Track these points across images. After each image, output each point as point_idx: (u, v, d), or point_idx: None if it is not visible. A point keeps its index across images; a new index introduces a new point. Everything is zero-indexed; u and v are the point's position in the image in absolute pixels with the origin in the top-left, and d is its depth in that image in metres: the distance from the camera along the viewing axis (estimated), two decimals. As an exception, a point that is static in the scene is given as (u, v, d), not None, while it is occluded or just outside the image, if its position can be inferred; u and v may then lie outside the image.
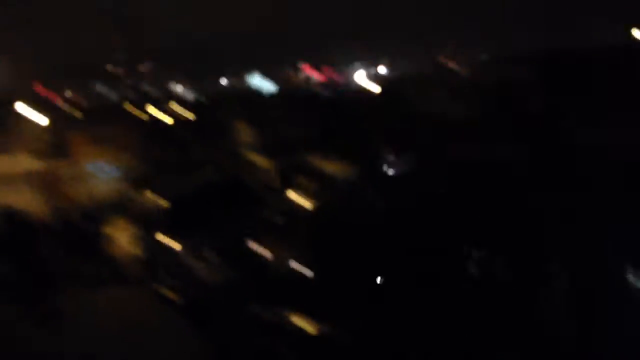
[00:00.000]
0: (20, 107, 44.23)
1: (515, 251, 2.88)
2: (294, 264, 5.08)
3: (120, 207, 22.14)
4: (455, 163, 3.63)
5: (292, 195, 6.97)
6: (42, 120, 46.37)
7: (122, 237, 17.00)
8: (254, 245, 6.35)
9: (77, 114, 58.97)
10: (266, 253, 6.08)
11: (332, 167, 19.10)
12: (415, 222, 3.60)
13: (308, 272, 4.86)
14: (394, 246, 3.62)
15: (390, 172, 3.94)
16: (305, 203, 5.43)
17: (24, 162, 43.89)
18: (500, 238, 2.87)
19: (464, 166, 3.48)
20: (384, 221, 3.82)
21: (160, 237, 10.16)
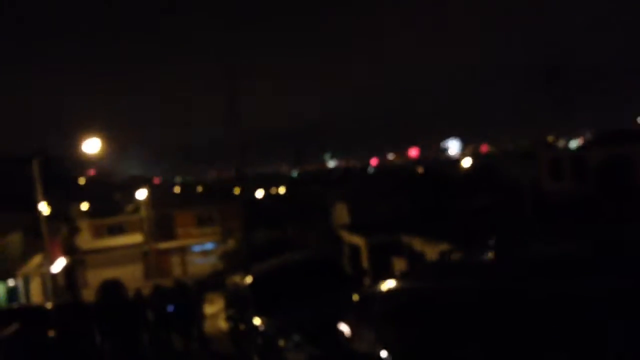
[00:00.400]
0: (139, 193, 46.94)
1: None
2: (380, 349, 4.90)
3: (215, 285, 22.79)
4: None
5: (383, 275, 6.82)
6: (154, 203, 48.76)
7: (215, 314, 17.37)
8: (341, 327, 6.20)
9: (188, 197, 61.57)
10: (353, 335, 5.92)
11: (425, 247, 18.82)
12: (506, 312, 3.39)
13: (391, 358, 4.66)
14: (481, 336, 3.41)
15: (487, 255, 3.74)
16: (396, 284, 5.28)
17: (135, 241, 46.37)
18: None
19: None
20: (476, 308, 3.61)
21: (251, 316, 10.21)
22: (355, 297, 6.24)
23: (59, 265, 28.56)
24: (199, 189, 73.19)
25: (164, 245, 47.56)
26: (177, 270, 46.88)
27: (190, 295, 16.16)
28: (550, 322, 2.88)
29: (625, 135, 31.98)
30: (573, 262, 3.12)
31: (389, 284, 5.21)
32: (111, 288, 12.20)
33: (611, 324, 2.52)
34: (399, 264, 19.13)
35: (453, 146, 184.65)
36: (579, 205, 20.90)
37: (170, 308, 15.23)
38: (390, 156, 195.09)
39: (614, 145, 29.03)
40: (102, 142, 18.88)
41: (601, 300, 2.60)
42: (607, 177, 27.66)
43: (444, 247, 16.50)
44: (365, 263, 23.35)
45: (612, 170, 27.50)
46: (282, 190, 63.59)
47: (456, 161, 62.50)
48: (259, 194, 53.73)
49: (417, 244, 19.30)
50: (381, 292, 5.36)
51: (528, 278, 3.20)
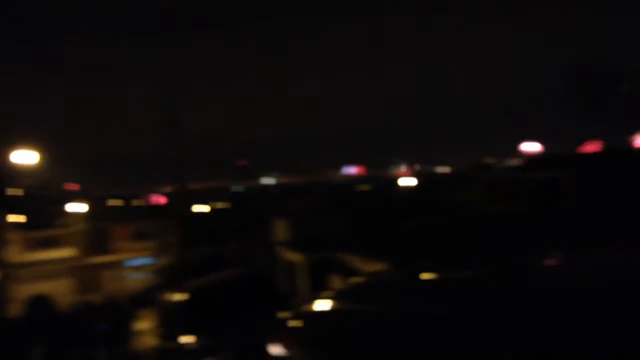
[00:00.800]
0: (71, 206, 45.61)
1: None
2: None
3: (148, 301, 22.19)
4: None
5: (320, 293, 6.75)
6: (89, 217, 47.50)
7: (145, 330, 16.89)
8: (272, 347, 6.04)
9: (125, 210, 60.37)
10: (283, 356, 5.77)
11: (363, 265, 18.87)
12: (445, 332, 3.36)
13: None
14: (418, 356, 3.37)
15: (426, 275, 3.75)
16: (332, 304, 5.20)
17: (68, 255, 44.90)
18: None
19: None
20: (413, 330, 3.57)
21: (181, 333, 9.95)
22: (288, 316, 6.14)
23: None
24: (138, 202, 71.60)
25: (97, 259, 46.24)
26: (110, 286, 45.61)
27: (120, 312, 15.73)
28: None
29: (557, 159, 33.18)
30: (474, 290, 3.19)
31: (321, 304, 5.14)
32: (40, 303, 11.73)
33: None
34: (336, 282, 19.11)
35: (398, 165, 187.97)
36: (511, 226, 21.48)
37: (100, 326, 14.80)
38: (333, 173, 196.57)
39: (547, 168, 30.06)
40: (38, 154, 18.26)
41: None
42: (538, 198, 28.58)
43: (381, 266, 16.59)
44: (302, 280, 23.24)
45: (543, 191, 28.44)
46: (224, 205, 62.94)
47: (400, 181, 63.47)
48: (201, 208, 53.02)
49: (356, 262, 19.36)
50: (313, 312, 5.28)
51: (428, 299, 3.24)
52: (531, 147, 70.87)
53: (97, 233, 46.80)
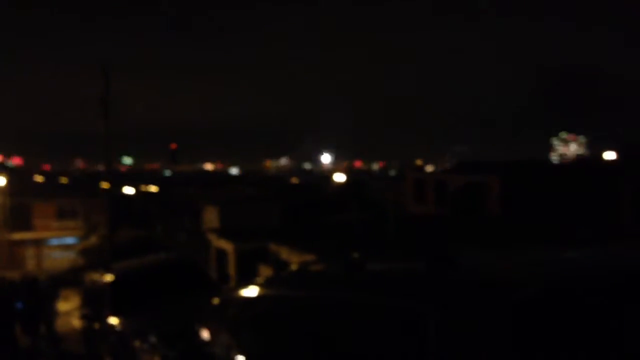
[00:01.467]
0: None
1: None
2: (236, 354, 5.03)
3: (71, 281, 21.75)
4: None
5: (249, 281, 6.97)
6: (11, 191, 45.60)
7: (69, 311, 16.60)
8: (199, 330, 6.26)
9: (50, 187, 58.25)
10: (210, 339, 6.00)
11: (291, 256, 19.20)
12: (346, 322, 3.66)
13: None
14: (342, 346, 3.65)
15: (351, 266, 3.97)
16: (256, 290, 5.44)
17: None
18: None
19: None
20: (336, 317, 3.84)
21: (107, 315, 9.94)
22: (215, 301, 6.32)
23: None
24: (63, 180, 69.23)
25: (18, 235, 44.58)
26: (30, 264, 44.10)
27: (40, 291, 15.40)
28: (376, 333, 3.20)
29: (482, 165, 34.57)
30: (404, 278, 3.49)
31: (248, 290, 5.37)
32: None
33: (430, 338, 2.85)
34: (265, 271, 19.35)
35: (325, 159, 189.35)
36: (437, 226, 22.30)
37: (18, 305, 14.44)
38: (267, 163, 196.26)
39: (472, 173, 31.27)
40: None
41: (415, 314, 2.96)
42: (464, 201, 29.72)
43: (308, 257, 16.95)
44: (231, 268, 23.35)
45: (469, 195, 29.60)
46: (154, 189, 61.80)
47: (329, 175, 64.08)
48: (130, 190, 51.87)
49: (284, 253, 19.64)
50: (241, 298, 5.50)
51: (363, 290, 3.54)
52: (460, 150, 73.30)
53: (18, 208, 45.09)
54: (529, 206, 24.57)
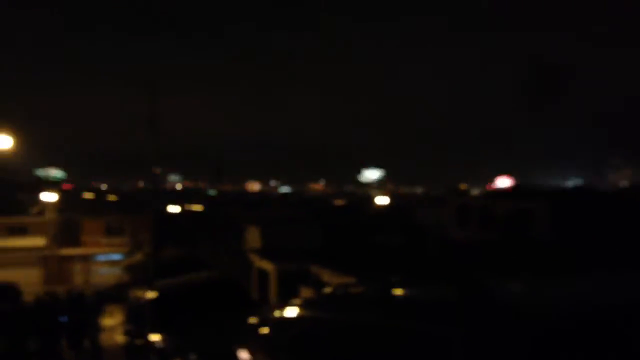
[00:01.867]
0: (44, 195, 44.98)
1: None
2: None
3: (116, 297, 22.17)
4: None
5: (288, 302, 7.00)
6: (63, 208, 46.77)
7: (113, 327, 16.90)
8: (239, 350, 6.30)
9: (99, 204, 59.42)
10: (250, 359, 6.03)
11: (332, 278, 19.12)
12: (385, 345, 3.65)
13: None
14: None
15: (393, 291, 3.98)
16: (297, 312, 5.45)
17: (37, 245, 44.04)
18: None
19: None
20: (369, 339, 3.85)
21: (150, 331, 10.09)
22: (254, 320, 6.36)
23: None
24: (112, 197, 70.89)
25: (67, 251, 45.69)
26: (78, 279, 45.05)
27: (85, 306, 15.70)
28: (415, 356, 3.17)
29: (529, 190, 33.92)
30: (436, 304, 3.47)
31: (286, 311, 5.39)
32: (5, 291, 11.74)
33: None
34: (306, 293, 19.31)
35: (372, 174, 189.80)
36: (481, 252, 21.92)
37: (63, 318, 14.75)
38: (314, 185, 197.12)
39: (519, 198, 30.69)
40: (12, 138, 18.18)
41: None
42: (511, 227, 29.15)
43: (350, 279, 16.86)
44: (272, 289, 23.39)
45: (516, 221, 29.02)
46: (198, 207, 62.66)
47: (373, 198, 63.91)
48: (174, 209, 52.69)
49: (325, 275, 19.59)
50: (279, 318, 5.52)
51: (396, 314, 3.52)
52: (504, 182, 72.11)
53: (68, 224, 46.29)
54: (578, 233, 23.95)
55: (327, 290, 5.32)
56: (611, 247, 19.49)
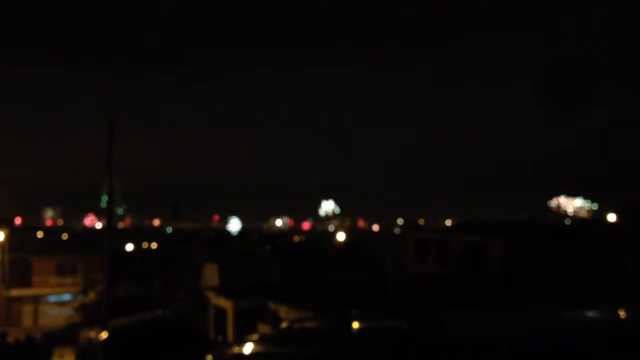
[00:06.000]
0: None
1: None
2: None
3: (68, 338, 21.49)
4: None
5: (245, 338, 6.93)
6: (11, 247, 45.35)
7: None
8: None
9: (50, 243, 57.64)
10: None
11: (290, 314, 19.00)
12: None
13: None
14: None
15: (348, 325, 4.02)
16: (252, 348, 5.41)
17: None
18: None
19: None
20: None
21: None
22: (212, 359, 6.29)
23: None
24: (64, 236, 69.17)
25: (16, 292, 44.16)
26: (27, 320, 43.51)
27: (34, 349, 15.22)
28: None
29: (482, 225, 34.56)
30: (385, 336, 3.54)
31: (242, 347, 5.36)
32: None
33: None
34: (264, 329, 19.12)
35: (328, 206, 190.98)
36: (436, 285, 22.16)
37: None
38: (278, 222, 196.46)
39: (474, 233, 31.21)
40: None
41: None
42: (465, 261, 29.57)
43: (307, 314, 16.79)
44: (230, 327, 23.06)
45: (470, 255, 29.47)
46: (154, 245, 61.67)
47: (331, 234, 64.04)
48: (130, 247, 51.70)
49: (283, 311, 19.47)
50: (234, 355, 5.48)
51: (345, 347, 3.59)
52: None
53: (18, 264, 44.82)
54: (531, 267, 24.46)
55: (284, 325, 5.32)
56: (561, 282, 20.00)
